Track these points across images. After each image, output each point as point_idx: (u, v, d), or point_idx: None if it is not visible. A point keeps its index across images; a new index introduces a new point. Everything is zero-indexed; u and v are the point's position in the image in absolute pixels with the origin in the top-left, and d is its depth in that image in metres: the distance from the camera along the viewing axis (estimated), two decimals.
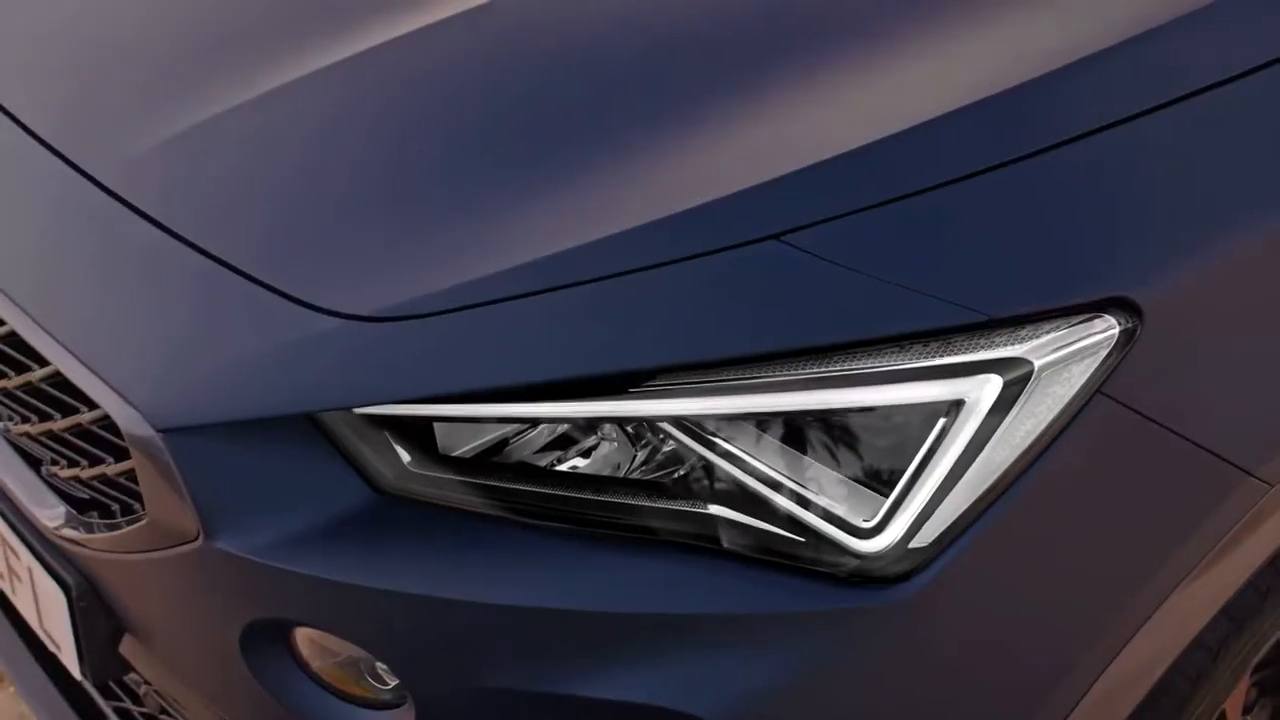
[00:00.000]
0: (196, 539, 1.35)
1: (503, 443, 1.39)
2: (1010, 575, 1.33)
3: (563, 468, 1.38)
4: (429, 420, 1.34)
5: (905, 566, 1.30)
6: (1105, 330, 1.29)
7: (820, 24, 1.53)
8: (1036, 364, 1.27)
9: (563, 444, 1.39)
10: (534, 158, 1.44)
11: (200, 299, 1.41)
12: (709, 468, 1.32)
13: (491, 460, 1.37)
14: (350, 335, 1.33)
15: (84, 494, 1.52)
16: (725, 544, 1.32)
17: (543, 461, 1.38)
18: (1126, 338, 1.30)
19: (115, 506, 1.48)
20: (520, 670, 1.31)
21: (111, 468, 1.44)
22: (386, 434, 1.35)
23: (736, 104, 1.44)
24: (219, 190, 1.50)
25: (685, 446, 1.32)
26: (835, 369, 1.28)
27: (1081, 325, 1.29)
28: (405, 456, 1.35)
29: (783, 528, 1.31)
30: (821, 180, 1.34)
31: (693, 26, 1.57)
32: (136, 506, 1.43)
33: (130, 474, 1.41)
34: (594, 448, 1.39)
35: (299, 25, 1.66)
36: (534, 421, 1.35)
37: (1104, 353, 1.29)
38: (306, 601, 1.34)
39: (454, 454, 1.37)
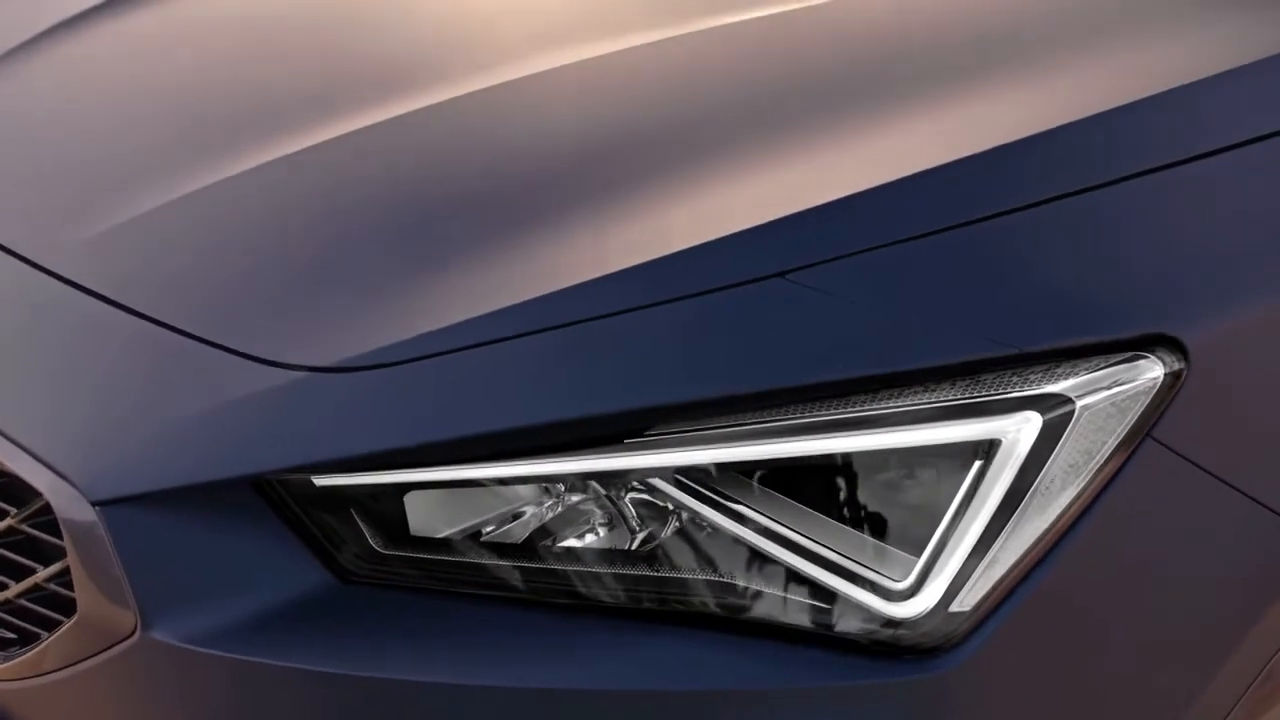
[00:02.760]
0: (133, 634, 1.18)
1: (478, 534, 1.24)
2: (1066, 647, 1.17)
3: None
4: (399, 493, 1.20)
5: (946, 635, 1.14)
6: (1150, 370, 1.17)
7: (838, 83, 1.46)
8: (1078, 402, 1.14)
9: (553, 530, 1.24)
10: (513, 211, 1.33)
11: (139, 364, 1.27)
12: (717, 532, 1.17)
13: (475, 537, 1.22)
14: (309, 388, 1.19)
15: (8, 632, 1.35)
16: (739, 614, 1.16)
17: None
18: (1173, 379, 1.17)
19: (43, 634, 1.30)
20: None
21: (42, 574, 1.27)
22: (352, 512, 1.20)
23: (740, 153, 1.35)
24: (158, 267, 1.38)
25: (689, 510, 1.17)
26: (854, 411, 1.15)
27: (1125, 364, 1.17)
28: (372, 537, 1.20)
29: (803, 594, 1.15)
30: (830, 220, 1.24)
31: (706, 86, 1.51)
32: (66, 621, 1.26)
33: (63, 579, 1.25)
34: (588, 531, 1.23)
35: (235, 129, 1.56)
36: (522, 481, 1.19)
37: (1151, 394, 1.16)
38: (258, 698, 1.16)
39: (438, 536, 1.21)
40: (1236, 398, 1.22)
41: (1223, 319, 1.21)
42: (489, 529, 1.23)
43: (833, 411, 1.15)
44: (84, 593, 1.21)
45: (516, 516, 1.23)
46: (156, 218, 1.42)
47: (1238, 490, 1.20)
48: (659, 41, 1.59)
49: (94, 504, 1.18)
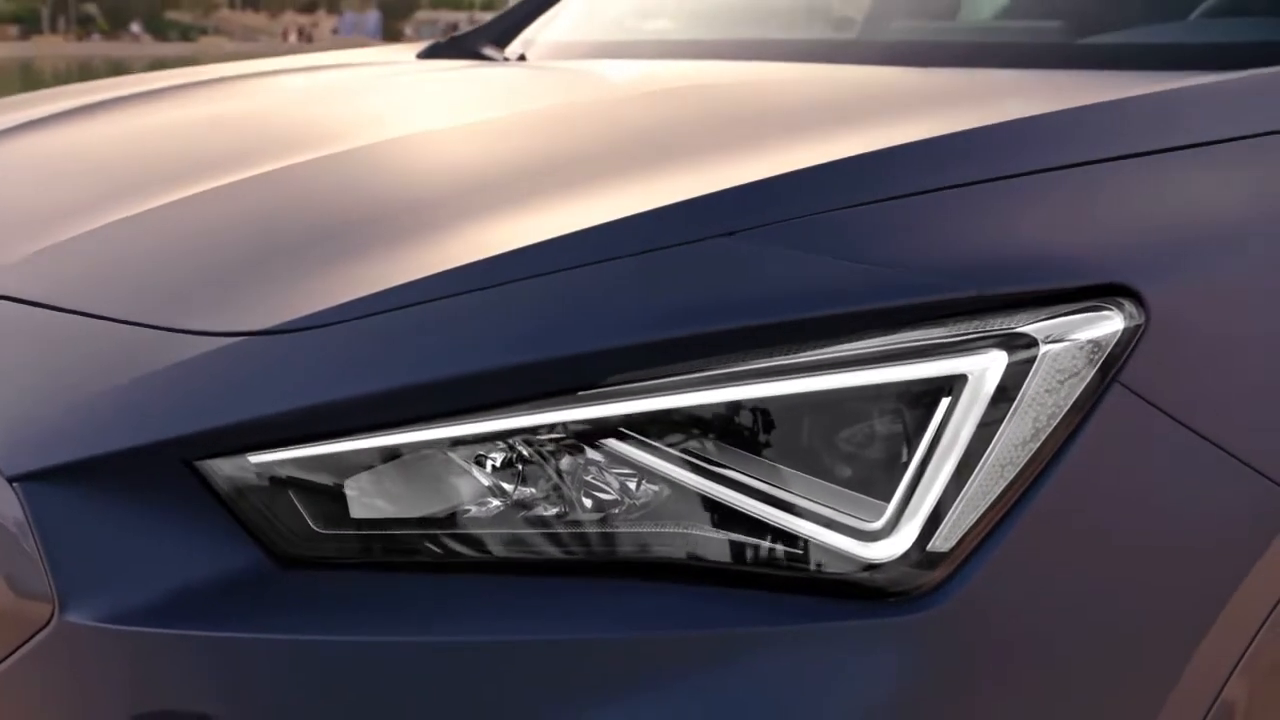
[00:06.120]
0: (50, 621, 1.09)
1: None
2: (1052, 588, 1.11)
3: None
4: (338, 471, 1.13)
5: (925, 577, 1.08)
6: (1111, 319, 1.15)
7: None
8: (1042, 344, 1.12)
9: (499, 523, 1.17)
10: (413, 219, 1.35)
11: (62, 349, 1.23)
12: (679, 491, 1.11)
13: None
14: (241, 351, 1.15)
15: None
16: (710, 565, 1.10)
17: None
18: (1135, 329, 1.15)
19: None
20: None
21: None
22: (290, 494, 1.13)
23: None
24: (80, 276, 1.36)
25: (649, 470, 1.11)
26: (813, 354, 1.11)
27: (1086, 313, 1.15)
28: (311, 519, 1.13)
29: (777, 542, 1.09)
30: (779, 188, 1.24)
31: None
32: None
33: None
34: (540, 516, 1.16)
35: (142, 185, 1.60)
36: (472, 441, 1.12)
37: (1113, 342, 1.14)
38: (191, 677, 1.07)
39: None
40: (1205, 350, 1.21)
41: (1183, 277, 1.21)
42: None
43: (792, 355, 1.11)
44: None
45: (460, 514, 1.17)
46: (75, 243, 1.41)
47: (1205, 439, 1.17)
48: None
49: (12, 480, 1.10)
